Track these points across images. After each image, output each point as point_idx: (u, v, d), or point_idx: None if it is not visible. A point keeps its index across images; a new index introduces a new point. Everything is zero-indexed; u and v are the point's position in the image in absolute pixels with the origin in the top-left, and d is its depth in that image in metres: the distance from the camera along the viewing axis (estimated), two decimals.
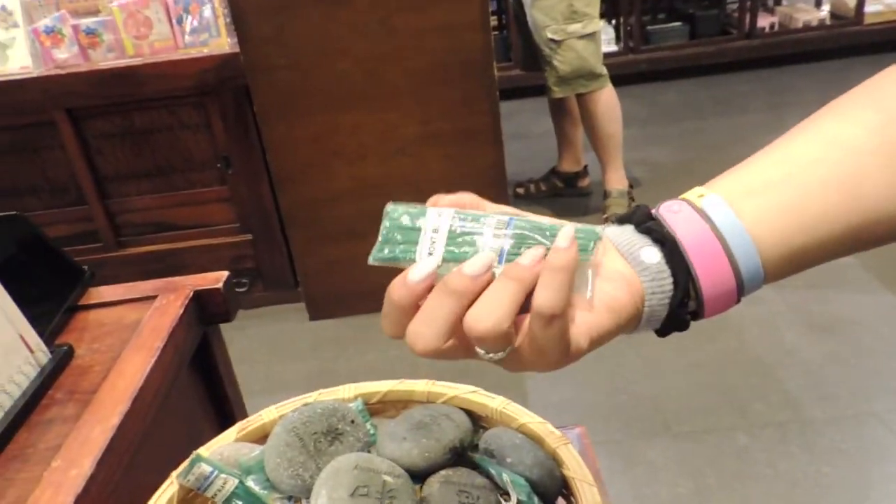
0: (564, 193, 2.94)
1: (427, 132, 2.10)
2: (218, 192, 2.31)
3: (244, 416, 0.96)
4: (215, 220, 2.37)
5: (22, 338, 0.69)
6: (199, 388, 0.88)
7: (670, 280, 0.40)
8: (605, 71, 2.48)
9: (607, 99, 2.50)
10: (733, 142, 3.18)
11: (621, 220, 0.44)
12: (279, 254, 2.40)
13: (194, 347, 0.83)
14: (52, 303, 0.80)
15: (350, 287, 2.35)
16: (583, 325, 0.40)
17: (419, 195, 1.88)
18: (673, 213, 0.41)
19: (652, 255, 0.40)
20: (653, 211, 0.43)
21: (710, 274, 0.40)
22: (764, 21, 3.92)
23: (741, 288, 0.41)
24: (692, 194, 0.43)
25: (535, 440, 0.52)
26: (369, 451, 0.53)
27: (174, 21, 2.03)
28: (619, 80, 3.96)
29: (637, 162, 3.18)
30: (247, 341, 2.30)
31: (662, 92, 3.93)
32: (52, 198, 2.29)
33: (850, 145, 0.42)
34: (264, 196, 2.30)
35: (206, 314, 0.84)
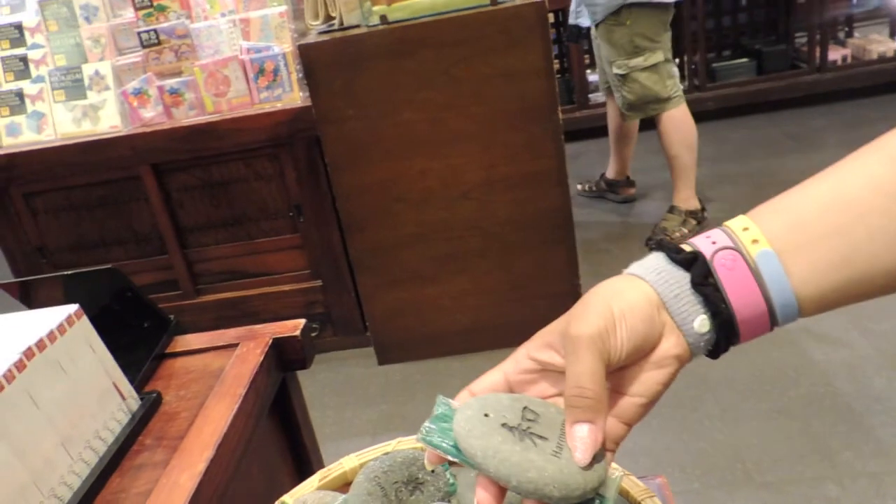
0: (609, 197, 3.32)
1: (491, 176, 2.12)
2: (290, 239, 2.39)
3: (320, 462, 0.97)
4: (287, 267, 2.44)
5: (115, 385, 0.73)
6: (277, 435, 0.90)
7: (714, 340, 0.44)
8: (674, 94, 2.66)
9: (675, 120, 2.70)
10: (808, 178, 3.07)
11: (675, 255, 0.44)
12: (348, 299, 2.44)
13: (274, 394, 0.85)
14: (141, 351, 0.84)
15: (417, 331, 2.37)
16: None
17: (484, 238, 1.92)
18: (728, 271, 0.42)
19: (704, 324, 0.43)
20: (705, 253, 0.43)
21: (749, 331, 0.43)
22: (835, 54, 3.82)
23: (771, 327, 0.44)
24: (746, 238, 0.43)
25: (620, 493, 0.51)
26: (449, 502, 0.53)
27: (251, 78, 2.14)
28: None
29: (709, 201, 3.12)
30: (317, 386, 2.34)
31: (732, 129, 3.86)
32: (137, 248, 2.41)
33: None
34: (334, 243, 2.36)
35: (284, 361, 0.87)
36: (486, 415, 0.41)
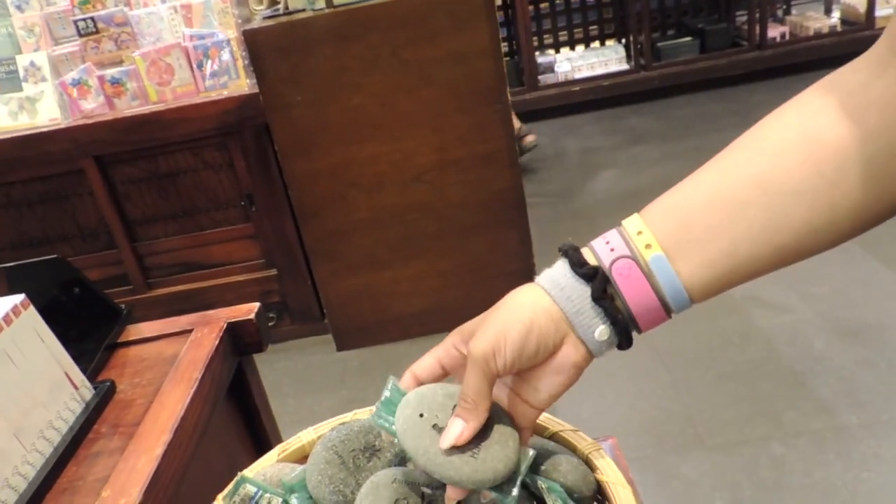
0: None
1: (443, 159, 2.14)
2: (243, 229, 2.36)
3: (280, 443, 0.98)
4: (241, 257, 2.41)
5: (67, 375, 0.72)
6: (236, 418, 0.90)
7: (615, 342, 0.49)
8: None
9: None
10: None
11: (578, 269, 0.48)
12: (304, 287, 2.43)
13: (230, 378, 0.85)
14: (92, 341, 0.83)
15: (375, 316, 2.38)
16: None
17: (438, 221, 1.93)
18: (625, 279, 0.47)
19: (604, 333, 0.48)
20: (604, 261, 0.48)
21: (647, 324, 0.49)
22: (774, 31, 3.93)
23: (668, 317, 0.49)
24: (640, 242, 0.47)
25: (568, 448, 0.53)
26: (405, 466, 0.54)
27: (195, 66, 2.10)
28: (632, 97, 4.03)
29: (655, 177, 3.19)
30: (276, 375, 2.33)
31: (677, 107, 3.95)
32: (83, 244, 2.35)
33: (773, 188, 0.46)
34: (287, 231, 2.34)
35: (239, 345, 0.87)
36: (420, 415, 0.48)
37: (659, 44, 4.07)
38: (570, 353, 0.48)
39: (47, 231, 2.33)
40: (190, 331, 0.86)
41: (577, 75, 4.06)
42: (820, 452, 1.64)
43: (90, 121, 2.15)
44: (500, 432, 0.48)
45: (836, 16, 4.03)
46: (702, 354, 2.05)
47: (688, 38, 4.05)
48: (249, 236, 2.38)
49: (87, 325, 0.85)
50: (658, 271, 0.46)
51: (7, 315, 0.63)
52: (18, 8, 2.19)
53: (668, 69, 3.98)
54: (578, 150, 3.76)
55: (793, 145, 0.45)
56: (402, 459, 0.54)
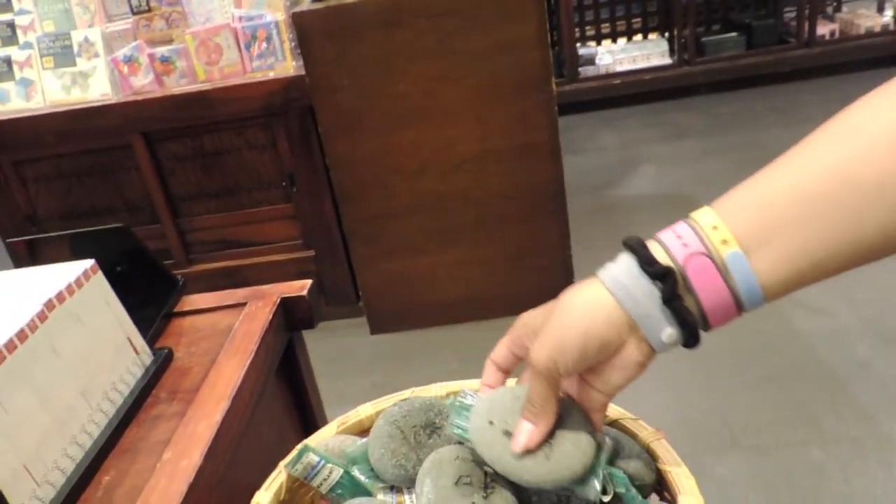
0: None
1: (485, 148, 2.13)
2: (283, 209, 2.39)
3: (325, 421, 0.99)
4: (280, 236, 2.44)
5: (129, 341, 0.74)
6: (284, 392, 0.92)
7: (682, 342, 0.47)
8: None
9: None
10: None
11: (647, 268, 0.46)
12: (341, 269, 2.45)
13: (282, 352, 0.87)
14: (151, 309, 0.85)
15: (410, 301, 2.39)
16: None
17: (478, 210, 1.93)
18: (699, 277, 0.45)
19: (672, 336, 0.46)
20: (677, 257, 0.45)
21: (717, 323, 0.47)
22: (824, 29, 3.84)
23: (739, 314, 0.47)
24: (716, 238, 0.45)
25: (629, 436, 0.53)
26: (464, 444, 0.55)
27: (243, 47, 2.12)
28: (675, 92, 3.97)
29: (695, 173, 3.15)
30: (310, 356, 2.35)
31: (720, 104, 3.88)
32: (129, 217, 2.40)
33: (857, 181, 0.43)
34: (327, 213, 2.36)
35: (291, 320, 0.88)
36: (490, 422, 0.49)
37: (703, 38, 4.00)
38: (632, 352, 0.47)
39: (94, 203, 2.38)
40: (244, 304, 0.87)
41: (619, 68, 4.01)
42: (860, 460, 1.62)
43: (140, 97, 2.19)
44: (573, 428, 0.48)
45: (889, 14, 3.92)
46: (740, 356, 2.02)
47: (734, 34, 3.97)
48: (289, 216, 2.41)
49: (146, 294, 0.87)
50: (735, 269, 0.44)
51: (79, 279, 0.65)
52: None
53: (713, 65, 3.92)
54: (618, 143, 3.72)
55: (882, 134, 0.43)
56: (462, 438, 0.55)
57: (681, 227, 0.46)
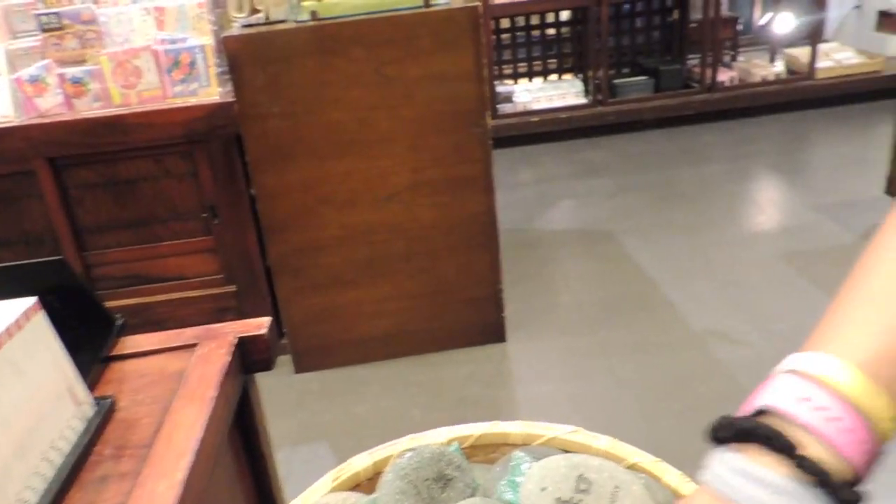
0: None
1: (418, 179, 2.11)
2: (202, 242, 2.26)
3: (275, 470, 0.91)
4: (197, 271, 2.31)
5: (69, 390, 0.65)
6: (236, 444, 0.84)
7: None
8: None
9: None
10: (702, 189, 3.29)
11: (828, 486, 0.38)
12: (263, 305, 2.34)
13: (238, 397, 0.79)
14: (87, 352, 0.76)
15: (337, 337, 2.31)
16: None
17: (408, 242, 1.90)
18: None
19: None
20: (853, 460, 0.39)
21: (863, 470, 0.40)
22: (724, 76, 4.10)
23: None
24: (879, 414, 0.39)
25: (653, 478, 0.50)
26: (477, 496, 0.50)
27: (164, 70, 2.01)
28: (588, 131, 4.11)
29: (612, 209, 3.25)
30: None
31: (631, 143, 4.05)
32: (27, 250, 2.20)
33: None
34: (250, 246, 2.25)
35: (247, 362, 0.81)
36: (543, 489, 0.47)
37: (615, 80, 4.18)
38: None
39: None
40: (194, 345, 0.80)
41: (536, 106, 4.12)
42: None
43: (46, 120, 2.03)
44: None
45: (779, 65, 4.24)
46: (666, 387, 2.06)
47: (643, 77, 4.17)
48: (209, 250, 2.28)
49: (80, 334, 0.77)
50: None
51: (19, 320, 0.56)
52: None
53: (624, 105, 4.09)
54: (536, 178, 3.79)
55: None
56: (473, 489, 0.50)
57: (851, 419, 0.38)
